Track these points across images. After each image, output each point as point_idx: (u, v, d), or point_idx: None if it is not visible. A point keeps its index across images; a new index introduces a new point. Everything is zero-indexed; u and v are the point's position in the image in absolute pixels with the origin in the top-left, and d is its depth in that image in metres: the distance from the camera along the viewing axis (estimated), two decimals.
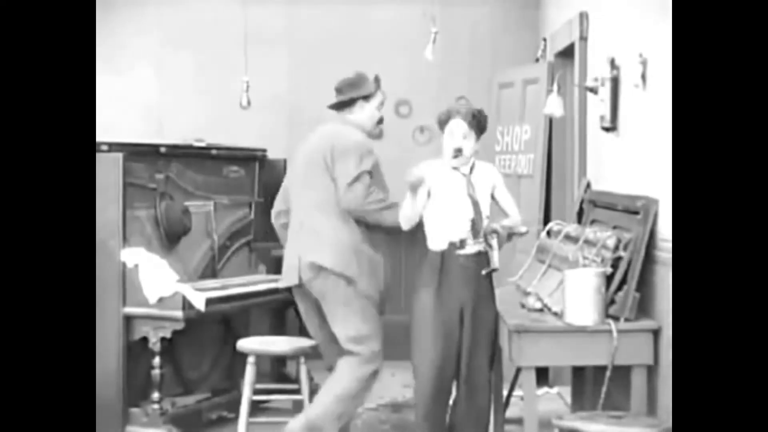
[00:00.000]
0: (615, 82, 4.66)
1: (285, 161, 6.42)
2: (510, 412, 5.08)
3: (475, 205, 4.37)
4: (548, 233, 4.77)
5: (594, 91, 4.91)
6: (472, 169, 4.43)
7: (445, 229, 4.35)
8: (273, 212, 5.02)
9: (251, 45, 6.84)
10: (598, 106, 4.93)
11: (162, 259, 5.16)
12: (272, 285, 5.77)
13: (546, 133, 6.32)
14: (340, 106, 5.03)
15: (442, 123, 4.44)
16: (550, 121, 6.19)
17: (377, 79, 5.02)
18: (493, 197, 4.47)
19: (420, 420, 4.40)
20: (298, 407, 5.36)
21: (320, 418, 4.64)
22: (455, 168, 4.40)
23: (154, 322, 5.04)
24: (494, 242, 4.35)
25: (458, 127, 4.38)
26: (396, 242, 7.03)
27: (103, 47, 6.68)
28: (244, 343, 4.88)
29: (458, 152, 4.37)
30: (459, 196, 4.37)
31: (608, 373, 3.88)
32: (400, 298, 7.20)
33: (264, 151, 6.31)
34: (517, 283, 4.70)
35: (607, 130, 4.80)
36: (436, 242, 4.37)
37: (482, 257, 4.36)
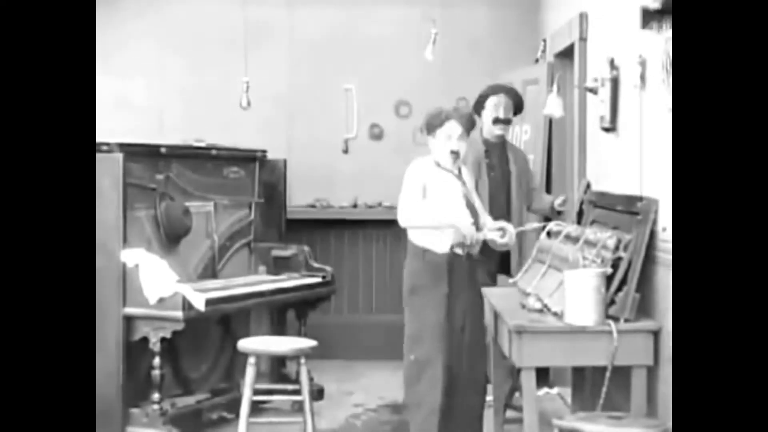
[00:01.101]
0: (615, 83, 4.66)
1: (285, 161, 6.43)
2: (510, 412, 5.08)
3: (471, 206, 4.43)
4: (548, 234, 4.77)
5: (594, 91, 4.91)
6: (460, 170, 4.48)
7: (450, 232, 4.34)
8: None
9: (251, 45, 6.84)
10: (597, 107, 4.93)
11: (162, 260, 5.15)
12: (272, 285, 5.79)
13: (546, 134, 6.32)
14: None
15: (435, 126, 4.44)
16: (550, 121, 6.19)
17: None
18: None
19: None
20: (298, 408, 5.36)
21: None
22: (447, 170, 4.41)
23: (154, 322, 5.04)
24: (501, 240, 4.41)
25: (454, 130, 4.41)
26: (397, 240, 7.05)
27: (103, 47, 6.67)
28: (244, 344, 4.88)
29: (456, 155, 4.40)
30: (457, 198, 4.40)
31: (608, 374, 3.88)
32: (398, 298, 7.20)
33: (264, 151, 6.32)
34: (518, 283, 4.70)
35: (606, 130, 4.80)
36: (439, 244, 4.35)
37: (477, 258, 4.42)
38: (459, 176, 4.48)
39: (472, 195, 4.51)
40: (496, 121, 5.58)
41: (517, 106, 5.67)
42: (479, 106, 5.66)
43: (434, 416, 4.31)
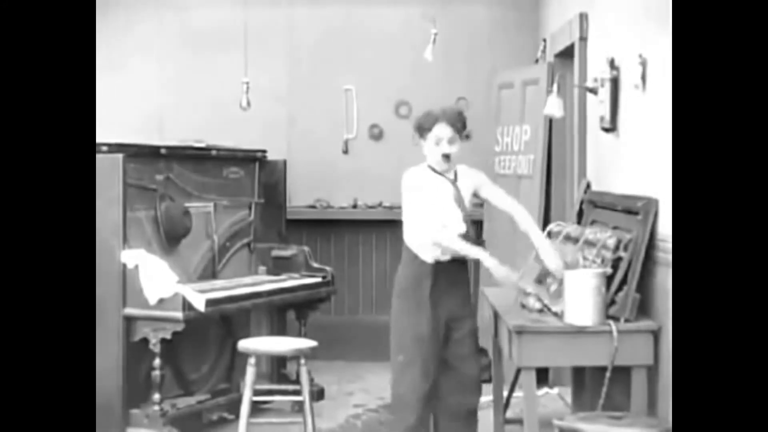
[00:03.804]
0: (615, 83, 4.66)
1: (285, 162, 6.43)
2: (510, 413, 5.08)
3: (465, 214, 4.36)
4: (548, 234, 4.77)
5: (594, 91, 4.91)
6: (455, 174, 4.41)
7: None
8: None
9: (251, 45, 6.84)
10: (597, 107, 4.93)
11: (162, 260, 5.16)
12: (272, 285, 5.78)
13: (546, 134, 6.32)
14: None
15: (425, 129, 4.37)
16: (550, 121, 6.18)
17: None
18: (481, 197, 4.46)
19: None
20: (298, 408, 5.36)
21: None
22: (439, 173, 4.37)
23: (155, 323, 5.04)
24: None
25: (444, 132, 4.35)
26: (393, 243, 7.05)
27: (104, 48, 6.68)
28: (245, 344, 4.88)
29: (447, 158, 4.34)
30: (449, 205, 4.35)
31: (608, 374, 3.88)
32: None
33: (264, 152, 6.32)
34: (518, 283, 4.69)
35: (606, 130, 4.80)
36: (428, 253, 4.33)
37: (464, 262, 4.38)
38: (454, 181, 4.41)
39: (463, 203, 4.43)
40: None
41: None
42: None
43: (414, 415, 4.30)
